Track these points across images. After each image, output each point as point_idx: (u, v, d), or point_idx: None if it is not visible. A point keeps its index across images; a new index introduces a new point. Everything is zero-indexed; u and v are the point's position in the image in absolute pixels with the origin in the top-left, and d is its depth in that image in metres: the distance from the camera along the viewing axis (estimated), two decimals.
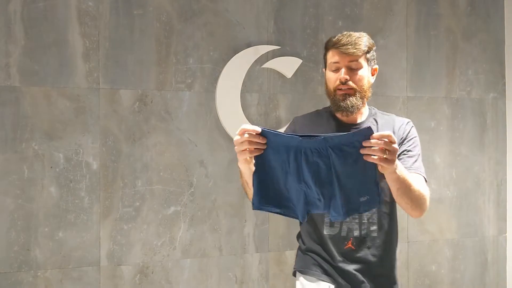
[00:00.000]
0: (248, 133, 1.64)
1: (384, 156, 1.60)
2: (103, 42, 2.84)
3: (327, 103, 1.99)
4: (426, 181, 1.92)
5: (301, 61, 3.16)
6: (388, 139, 1.60)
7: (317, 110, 2.07)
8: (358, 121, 1.98)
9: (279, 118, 3.15)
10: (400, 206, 1.86)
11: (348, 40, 1.88)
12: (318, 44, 3.22)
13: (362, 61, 1.90)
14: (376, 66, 1.98)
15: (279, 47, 3.13)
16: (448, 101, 3.53)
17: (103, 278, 2.84)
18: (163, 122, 2.94)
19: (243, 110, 3.05)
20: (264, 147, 1.65)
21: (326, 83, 1.96)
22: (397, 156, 1.66)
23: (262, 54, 3.09)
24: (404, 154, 1.93)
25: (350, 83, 1.89)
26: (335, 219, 1.77)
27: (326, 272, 1.95)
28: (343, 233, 1.94)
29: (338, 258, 1.94)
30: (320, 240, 1.97)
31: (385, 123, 1.99)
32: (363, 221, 1.94)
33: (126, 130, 2.88)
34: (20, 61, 2.71)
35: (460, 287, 3.56)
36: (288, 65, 3.15)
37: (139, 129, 2.90)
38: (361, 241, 1.94)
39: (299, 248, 2.06)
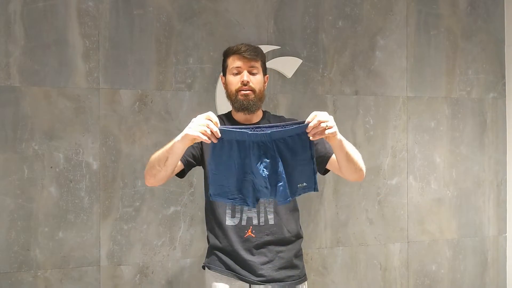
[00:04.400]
0: (212, 121, 1.88)
1: (327, 132, 1.84)
2: (103, 42, 2.84)
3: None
4: None
5: (301, 61, 3.16)
6: (322, 119, 1.84)
7: (218, 115, 2.25)
8: (254, 121, 2.21)
9: None
10: (347, 172, 2.05)
11: (248, 47, 2.15)
12: (318, 44, 3.22)
13: (259, 67, 2.17)
14: (267, 75, 2.25)
15: (279, 47, 3.13)
16: (448, 101, 3.53)
17: (103, 278, 2.85)
18: (163, 122, 2.94)
19: None
20: (214, 139, 1.87)
21: (227, 87, 2.20)
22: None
23: None
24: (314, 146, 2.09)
25: (251, 84, 2.13)
26: (281, 203, 1.99)
27: (229, 268, 2.13)
28: (243, 222, 2.12)
29: (239, 246, 2.11)
30: (223, 231, 2.13)
31: (277, 122, 2.20)
32: (261, 210, 2.12)
33: (126, 130, 2.88)
34: (20, 61, 2.71)
35: (460, 287, 3.56)
36: (288, 65, 3.15)
37: (139, 129, 2.90)
38: (260, 229, 2.12)
39: (208, 244, 2.23)
